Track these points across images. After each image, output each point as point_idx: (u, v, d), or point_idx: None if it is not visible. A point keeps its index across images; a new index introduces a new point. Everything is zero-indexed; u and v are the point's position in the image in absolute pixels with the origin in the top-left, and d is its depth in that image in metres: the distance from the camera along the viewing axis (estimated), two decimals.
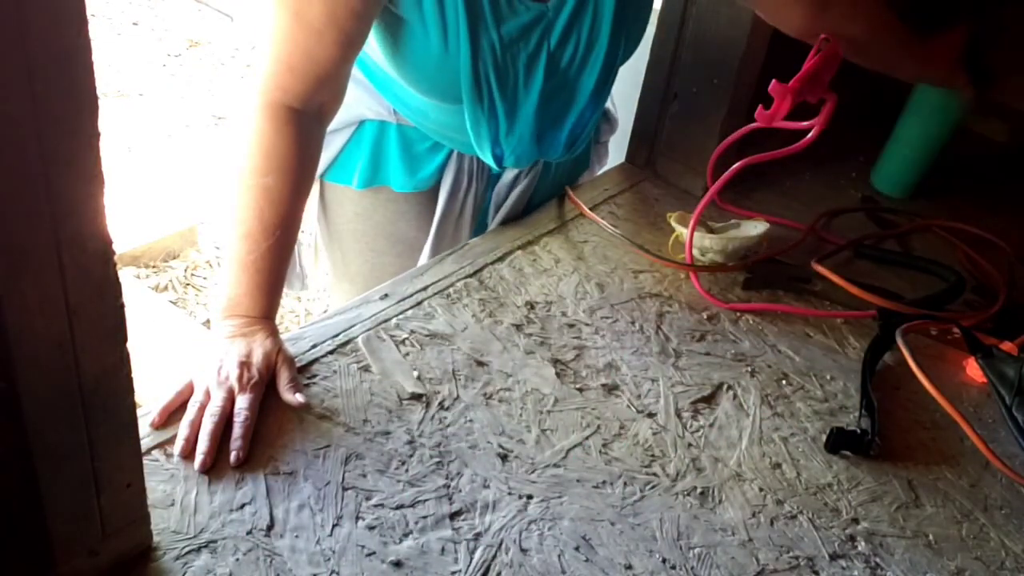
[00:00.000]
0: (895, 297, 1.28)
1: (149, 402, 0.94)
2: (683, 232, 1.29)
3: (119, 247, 0.58)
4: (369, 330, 1.09)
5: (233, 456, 0.89)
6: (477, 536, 0.87)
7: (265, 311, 1.02)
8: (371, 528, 0.86)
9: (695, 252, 1.30)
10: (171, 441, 0.90)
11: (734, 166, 1.25)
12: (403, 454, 0.94)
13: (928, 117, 1.53)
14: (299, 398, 0.95)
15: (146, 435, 0.90)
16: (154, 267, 2.61)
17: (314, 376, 1.01)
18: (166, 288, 2.56)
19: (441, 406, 1.00)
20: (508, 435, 0.98)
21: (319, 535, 0.84)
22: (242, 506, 0.86)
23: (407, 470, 0.92)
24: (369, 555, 0.83)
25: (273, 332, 1.01)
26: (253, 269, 1.01)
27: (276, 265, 1.03)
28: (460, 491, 0.91)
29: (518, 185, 1.32)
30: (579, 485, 0.94)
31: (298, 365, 1.02)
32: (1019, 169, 1.71)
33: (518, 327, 1.14)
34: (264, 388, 0.96)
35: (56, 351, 0.63)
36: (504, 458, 0.95)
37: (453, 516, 0.88)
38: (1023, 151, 1.74)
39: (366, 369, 1.03)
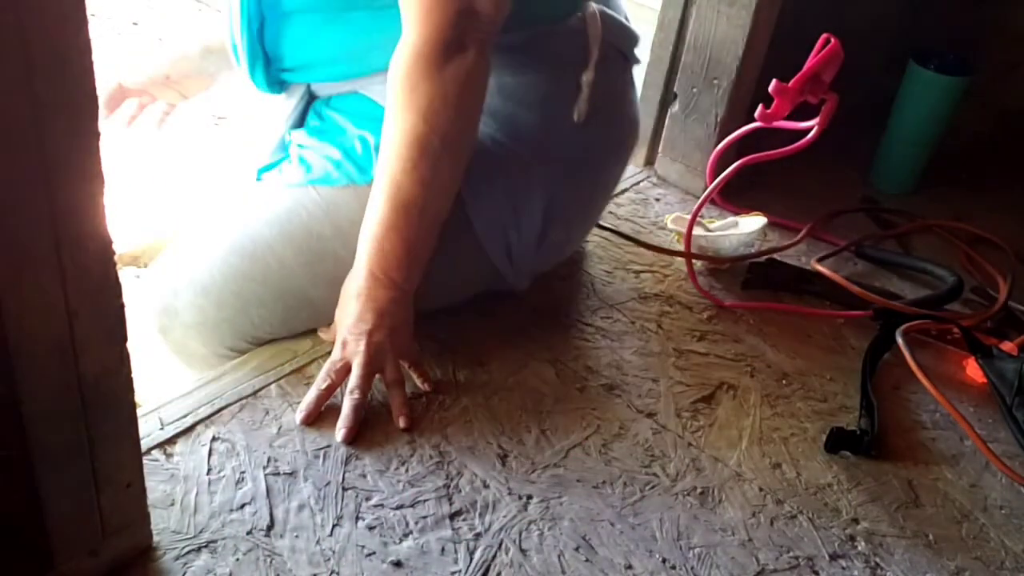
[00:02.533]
0: (895, 297, 1.28)
1: (149, 401, 0.94)
2: (682, 233, 1.29)
3: (119, 247, 0.59)
4: None
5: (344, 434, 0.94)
6: (477, 536, 0.87)
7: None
8: (371, 528, 0.86)
9: (694, 252, 1.29)
10: (170, 441, 0.90)
11: (733, 165, 1.25)
12: (403, 454, 0.94)
13: (918, 111, 1.54)
14: (402, 423, 0.97)
15: (146, 435, 0.90)
16: None
17: (313, 376, 1.01)
18: None
19: (441, 406, 1.00)
20: (508, 435, 0.98)
21: (319, 535, 0.84)
22: (242, 506, 0.86)
23: (407, 470, 0.92)
24: (369, 555, 0.83)
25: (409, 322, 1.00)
26: None
27: None
28: (460, 491, 0.91)
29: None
30: (579, 485, 0.94)
31: (297, 366, 1.02)
32: (1009, 163, 1.71)
33: (518, 327, 1.13)
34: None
35: (56, 351, 0.63)
36: (504, 458, 0.95)
37: (453, 516, 0.88)
38: (1012, 145, 1.73)
39: None
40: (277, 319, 1.03)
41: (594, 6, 1.05)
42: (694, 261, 1.28)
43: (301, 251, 1.01)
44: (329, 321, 1.03)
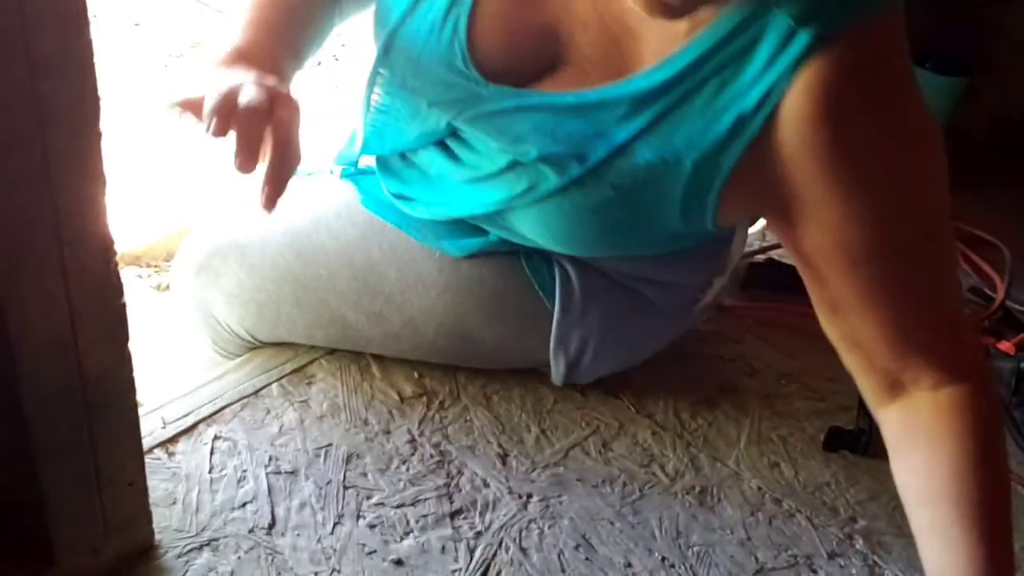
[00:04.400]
0: None
1: (151, 400, 0.94)
2: None
3: (120, 246, 0.58)
4: None
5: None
6: (477, 535, 0.87)
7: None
8: (372, 527, 0.86)
9: None
10: (172, 440, 0.91)
11: None
12: (404, 453, 0.94)
13: None
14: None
15: (148, 434, 0.90)
16: (156, 267, 2.61)
17: (315, 375, 1.01)
18: (168, 287, 2.55)
19: (441, 405, 1.01)
20: (508, 434, 0.99)
21: (320, 533, 0.85)
22: (243, 504, 0.86)
23: (408, 469, 0.93)
24: (370, 553, 0.84)
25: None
26: None
27: None
28: (460, 490, 0.91)
29: None
30: (579, 484, 0.94)
31: (298, 365, 1.02)
32: (1006, 163, 1.71)
33: None
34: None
35: (58, 351, 0.63)
36: (504, 457, 0.96)
37: (453, 515, 0.89)
38: (1010, 145, 1.73)
39: (367, 368, 1.03)
40: (303, 323, 1.00)
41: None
42: None
43: (356, 277, 0.97)
44: (355, 345, 1.02)
